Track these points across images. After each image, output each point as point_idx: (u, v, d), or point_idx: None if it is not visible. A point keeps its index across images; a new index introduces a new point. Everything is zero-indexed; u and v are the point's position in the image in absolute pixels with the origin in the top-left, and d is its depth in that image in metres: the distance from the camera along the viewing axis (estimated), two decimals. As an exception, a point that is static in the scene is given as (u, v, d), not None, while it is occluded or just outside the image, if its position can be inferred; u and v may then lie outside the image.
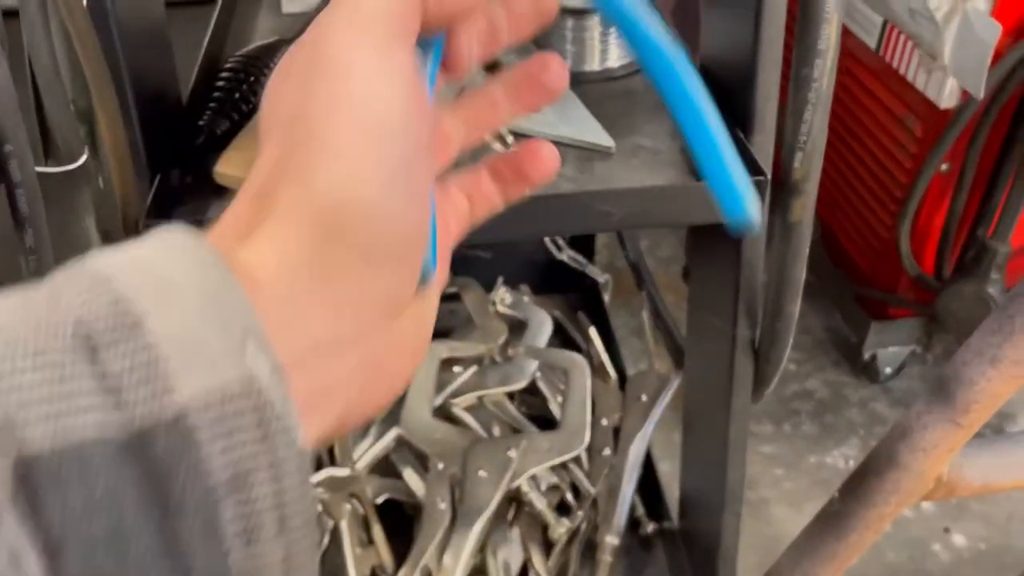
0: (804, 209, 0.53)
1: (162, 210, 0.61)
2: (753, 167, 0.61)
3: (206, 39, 0.81)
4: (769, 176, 0.60)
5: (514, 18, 0.31)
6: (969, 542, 1.28)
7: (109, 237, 0.57)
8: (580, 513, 0.99)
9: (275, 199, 0.25)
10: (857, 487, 0.69)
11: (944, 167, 1.23)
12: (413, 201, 0.26)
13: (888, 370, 1.51)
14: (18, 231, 0.37)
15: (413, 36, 0.27)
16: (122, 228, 0.58)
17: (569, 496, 1.01)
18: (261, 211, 0.25)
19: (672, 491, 1.05)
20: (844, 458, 1.41)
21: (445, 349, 1.09)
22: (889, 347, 1.50)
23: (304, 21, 0.83)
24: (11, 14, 0.48)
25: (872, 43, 1.30)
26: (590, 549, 0.98)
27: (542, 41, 0.79)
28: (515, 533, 0.98)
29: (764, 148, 0.62)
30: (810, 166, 0.51)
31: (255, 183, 0.26)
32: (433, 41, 0.30)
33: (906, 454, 0.67)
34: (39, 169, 0.43)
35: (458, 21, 0.29)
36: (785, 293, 0.61)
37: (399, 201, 0.25)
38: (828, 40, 0.46)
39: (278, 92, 0.27)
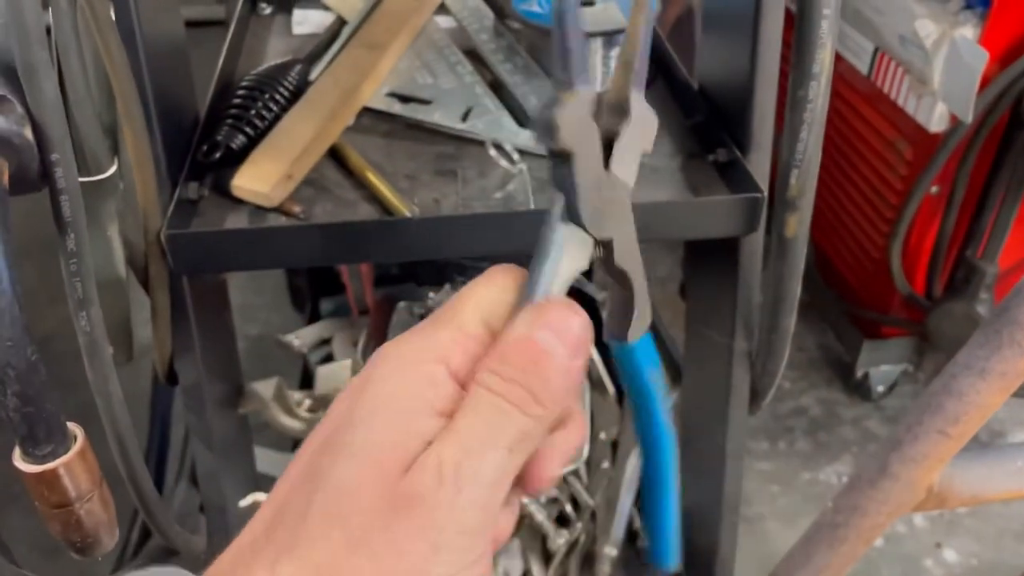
0: (800, 225, 0.56)
1: (181, 221, 0.63)
2: (750, 184, 0.63)
3: (221, 58, 0.83)
4: (766, 193, 0.63)
5: None
6: (961, 557, 1.30)
7: (130, 245, 0.59)
8: (579, 525, 1.01)
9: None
10: (850, 497, 0.71)
11: (934, 189, 1.26)
12: None
13: (880, 388, 1.53)
14: (61, 235, 0.39)
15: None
16: (143, 237, 0.60)
17: (568, 508, 1.03)
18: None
19: (669, 504, 1.06)
20: (837, 475, 1.42)
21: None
22: (881, 365, 1.52)
23: (315, 43, 0.86)
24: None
25: (864, 69, 1.33)
26: (588, 560, 1.00)
27: (547, 62, 0.82)
28: (515, 544, 0.99)
29: (760, 166, 0.65)
30: (805, 183, 0.54)
31: (257, 527, 0.27)
32: None
33: (897, 464, 0.69)
34: (71, 179, 0.45)
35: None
36: (781, 307, 0.63)
37: None
38: (822, 64, 0.49)
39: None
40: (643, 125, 0.33)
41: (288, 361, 1.27)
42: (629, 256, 0.33)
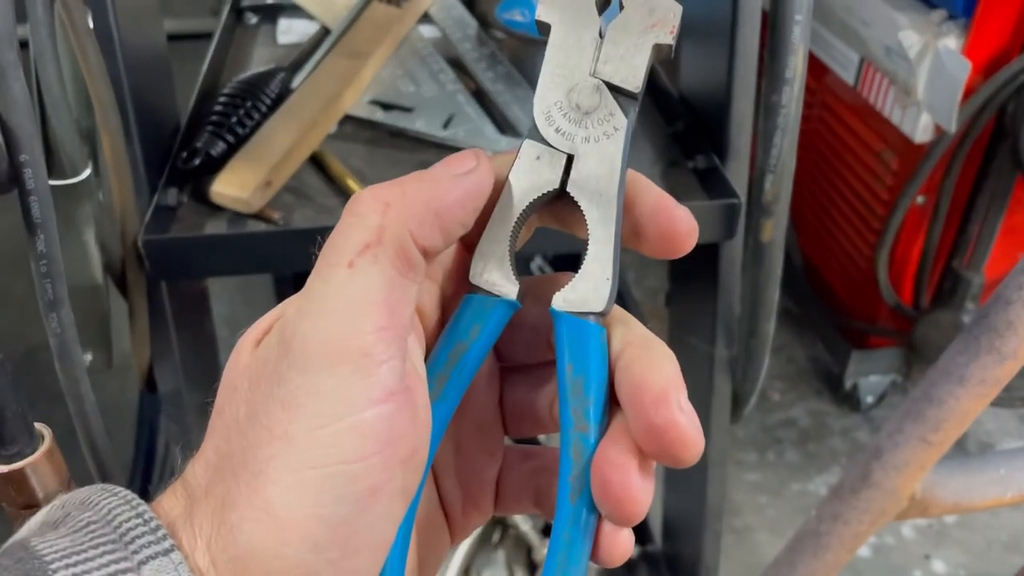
0: (776, 229, 0.56)
1: (159, 227, 0.63)
2: (728, 191, 0.63)
3: (204, 66, 0.83)
4: (745, 199, 0.63)
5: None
6: (949, 568, 1.29)
7: (107, 251, 0.59)
8: (564, 535, 1.01)
9: (193, 518, 0.24)
10: (833, 506, 0.71)
11: (920, 199, 1.26)
12: (349, 555, 0.23)
13: (869, 399, 1.53)
14: (31, 237, 0.39)
15: (400, 343, 0.25)
16: (120, 242, 0.60)
17: (553, 518, 1.03)
18: (183, 514, 0.24)
19: (656, 515, 1.06)
20: (826, 486, 1.42)
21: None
22: (870, 376, 1.52)
23: (299, 51, 0.86)
24: (23, 45, 0.51)
25: (850, 80, 1.34)
26: (574, 571, 0.99)
27: (529, 70, 0.82)
28: (500, 555, 0.99)
29: (739, 173, 0.65)
30: (780, 188, 0.54)
31: (194, 470, 0.25)
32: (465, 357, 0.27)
33: (879, 472, 0.69)
34: (45, 183, 0.45)
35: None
36: (759, 313, 0.63)
37: (326, 560, 0.23)
38: (795, 70, 0.49)
39: (241, 372, 0.25)
40: (647, 12, 0.26)
41: (275, 371, 1.26)
42: (596, 187, 0.26)
